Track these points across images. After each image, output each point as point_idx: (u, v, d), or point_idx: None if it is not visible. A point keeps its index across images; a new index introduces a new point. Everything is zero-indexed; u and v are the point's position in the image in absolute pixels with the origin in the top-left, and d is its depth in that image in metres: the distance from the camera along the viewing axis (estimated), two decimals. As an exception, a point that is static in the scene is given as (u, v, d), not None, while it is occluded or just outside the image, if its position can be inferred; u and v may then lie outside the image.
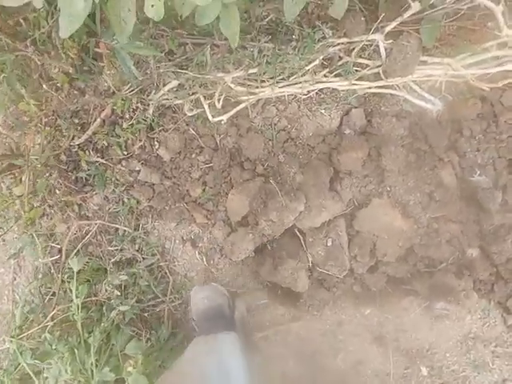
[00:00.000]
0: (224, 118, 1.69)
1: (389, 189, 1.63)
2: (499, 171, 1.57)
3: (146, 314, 1.76)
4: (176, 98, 1.71)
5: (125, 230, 1.80)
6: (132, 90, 1.65)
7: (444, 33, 1.56)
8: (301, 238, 1.69)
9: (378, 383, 1.81)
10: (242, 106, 1.69)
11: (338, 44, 1.61)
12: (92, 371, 1.47)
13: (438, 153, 1.60)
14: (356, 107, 1.64)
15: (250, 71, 1.60)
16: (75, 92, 1.79)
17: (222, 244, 1.74)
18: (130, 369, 1.49)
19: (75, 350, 1.45)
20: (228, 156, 1.77)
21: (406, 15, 1.42)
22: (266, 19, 1.60)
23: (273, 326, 1.82)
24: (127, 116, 1.72)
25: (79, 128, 1.79)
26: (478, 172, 1.56)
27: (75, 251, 1.69)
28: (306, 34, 1.54)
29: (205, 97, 1.69)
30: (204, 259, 1.76)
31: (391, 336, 1.79)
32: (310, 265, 1.67)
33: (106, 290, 1.52)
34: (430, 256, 1.68)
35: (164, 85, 1.67)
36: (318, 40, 1.58)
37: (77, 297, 1.49)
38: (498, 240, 1.59)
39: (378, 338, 1.80)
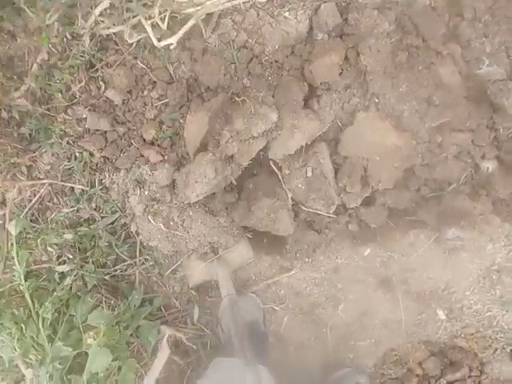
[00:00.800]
0: (172, 40, 1.41)
1: (377, 99, 1.33)
2: (515, 57, 1.24)
3: (112, 280, 1.55)
4: (114, 24, 1.44)
5: (81, 189, 1.58)
6: (58, 16, 1.39)
7: None
8: (278, 172, 1.42)
9: (388, 334, 1.57)
10: (191, 22, 1.41)
11: None
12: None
13: (434, 46, 1.28)
14: (326, 2, 1.32)
15: (191, -27, 1.30)
16: (5, 36, 1.55)
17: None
18: (89, 341, 1.29)
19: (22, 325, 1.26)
20: (185, 87, 1.51)
21: None
22: None
23: (260, 281, 1.58)
24: (61, 51, 1.47)
25: (16, 78, 1.56)
26: (487, 62, 1.24)
27: (23, 214, 1.49)
28: None
29: (146, 17, 1.41)
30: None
31: (398, 278, 1.53)
32: (291, 202, 1.40)
33: (46, 251, 1.30)
34: (435, 178, 1.39)
35: (95, 7, 1.40)
36: None
37: (19, 263, 1.29)
38: (520, 145, 1.28)
39: (384, 281, 1.54)
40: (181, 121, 1.54)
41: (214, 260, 1.54)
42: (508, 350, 1.51)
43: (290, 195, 1.37)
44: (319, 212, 1.46)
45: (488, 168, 1.36)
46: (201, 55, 1.48)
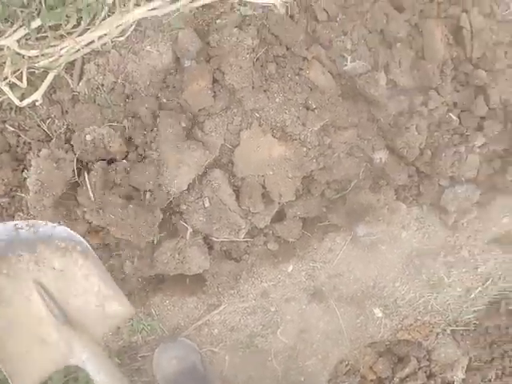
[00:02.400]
0: (36, 97, 1.33)
1: (257, 114, 1.31)
2: (375, 49, 1.26)
3: None
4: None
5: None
6: None
7: None
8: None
9: (333, 346, 1.51)
10: (51, 75, 1.34)
11: (134, -42, 1.27)
12: None
13: (298, 52, 1.28)
14: (183, 29, 1.29)
15: (33, 25, 1.23)
16: None
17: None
18: None
19: None
20: (63, 142, 1.41)
21: None
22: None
23: (189, 325, 1.48)
24: None
25: None
26: (349, 58, 1.25)
27: None
28: (80, -47, 1.18)
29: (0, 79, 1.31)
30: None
31: (328, 286, 1.49)
32: (194, 237, 1.32)
33: None
34: (335, 179, 1.38)
35: None
36: (104, -42, 1.23)
37: None
38: (401, 131, 1.28)
39: (315, 293, 1.49)
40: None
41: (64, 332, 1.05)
42: (449, 332, 1.50)
43: (189, 231, 1.30)
44: (232, 239, 1.41)
45: (381, 158, 1.36)
46: (72, 106, 1.39)
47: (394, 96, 1.28)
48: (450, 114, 1.30)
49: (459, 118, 1.30)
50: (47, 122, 1.41)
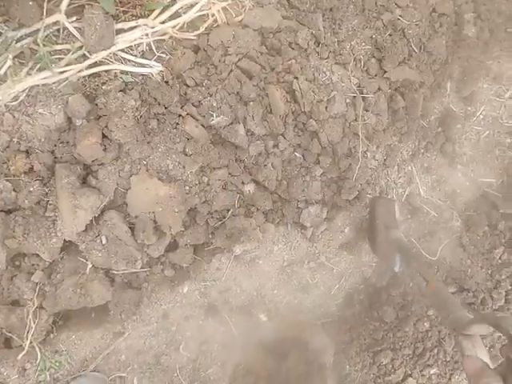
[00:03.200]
0: None
1: (145, 162, 1.56)
2: (234, 106, 1.62)
3: None
4: None
5: None
6: None
7: (125, -5, 1.54)
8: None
9: (228, 353, 1.76)
10: None
11: (23, 37, 1.47)
12: None
13: (174, 111, 1.58)
14: (73, 94, 1.52)
15: None
16: None
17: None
18: None
19: None
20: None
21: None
22: None
23: (97, 355, 1.61)
24: None
25: None
26: (215, 114, 1.59)
27: None
28: (-29, 35, 1.36)
29: None
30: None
31: (220, 301, 1.75)
32: (93, 271, 1.50)
33: None
34: (216, 209, 1.67)
35: None
36: (-5, 38, 1.42)
37: None
38: (261, 168, 1.64)
39: (209, 309, 1.74)
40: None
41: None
42: (319, 324, 1.86)
43: (89, 267, 1.48)
44: (131, 270, 1.60)
45: (249, 190, 1.70)
46: (-35, 163, 1.50)
47: (252, 142, 1.64)
48: (296, 153, 1.70)
49: (303, 155, 1.72)
50: None
